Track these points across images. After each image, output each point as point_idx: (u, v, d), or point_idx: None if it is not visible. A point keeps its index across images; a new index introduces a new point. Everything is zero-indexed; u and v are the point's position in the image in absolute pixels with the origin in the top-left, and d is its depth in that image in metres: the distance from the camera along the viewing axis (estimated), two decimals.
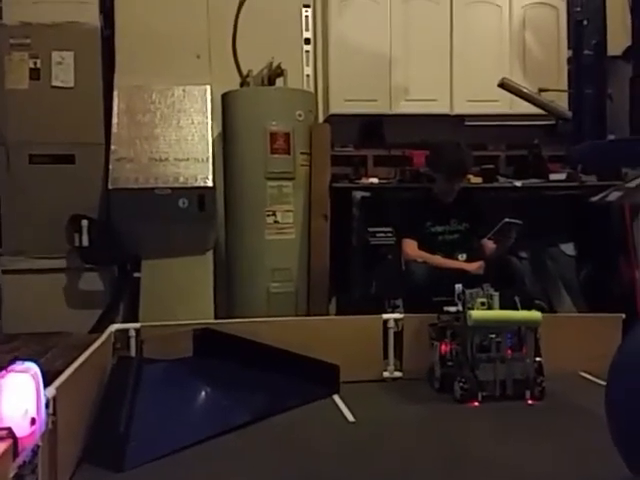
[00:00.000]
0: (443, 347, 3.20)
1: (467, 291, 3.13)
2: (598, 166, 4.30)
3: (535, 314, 3.16)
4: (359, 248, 4.45)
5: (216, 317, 4.23)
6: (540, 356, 3.12)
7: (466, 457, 2.48)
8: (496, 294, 3.12)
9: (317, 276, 4.37)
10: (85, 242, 4.33)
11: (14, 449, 1.55)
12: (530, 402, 3.06)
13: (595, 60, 2.89)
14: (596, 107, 2.79)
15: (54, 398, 1.98)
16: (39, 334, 3.79)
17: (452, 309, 3.17)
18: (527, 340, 3.12)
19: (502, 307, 3.14)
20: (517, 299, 3.18)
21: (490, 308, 3.11)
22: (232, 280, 4.48)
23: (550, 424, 2.82)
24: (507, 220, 3.48)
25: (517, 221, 3.48)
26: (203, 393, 2.84)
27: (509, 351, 3.11)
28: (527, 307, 3.21)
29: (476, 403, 3.03)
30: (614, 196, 3.57)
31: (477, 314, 3.06)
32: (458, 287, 3.15)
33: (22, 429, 1.59)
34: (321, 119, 4.83)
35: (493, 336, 3.09)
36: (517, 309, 3.17)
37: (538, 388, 3.08)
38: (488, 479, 2.30)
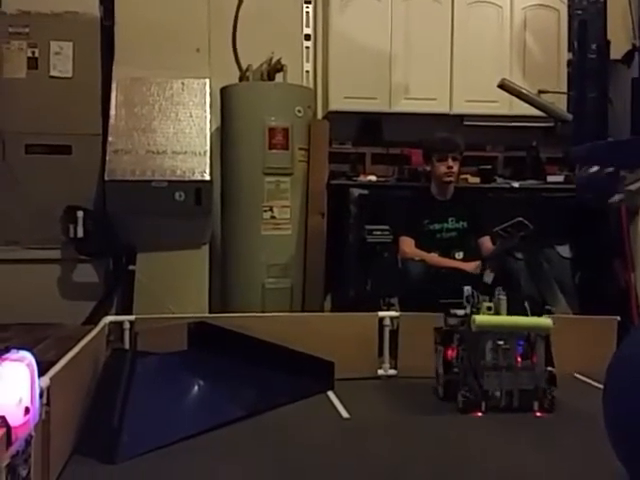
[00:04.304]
0: (449, 353, 2.99)
1: (476, 294, 2.95)
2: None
3: (545, 320, 2.91)
4: (355, 245, 4.44)
5: (210, 311, 4.22)
6: (553, 365, 2.89)
7: (458, 459, 2.45)
8: (504, 298, 2.91)
9: (313, 272, 4.36)
10: (80, 233, 4.31)
11: (7, 438, 1.53)
12: (538, 414, 2.84)
13: (597, 61, 2.89)
14: (597, 109, 2.79)
15: (48, 388, 1.96)
16: (32, 325, 3.76)
17: (460, 312, 2.97)
18: (537, 348, 2.88)
19: (511, 312, 2.92)
20: (527, 304, 2.95)
21: (497, 313, 2.89)
22: (227, 275, 4.46)
23: (555, 436, 2.64)
24: (521, 219, 3.25)
25: (529, 225, 3.25)
26: (197, 387, 2.82)
27: (519, 359, 2.87)
28: (537, 313, 2.97)
29: (479, 413, 2.82)
30: (615, 198, 3.59)
31: (481, 319, 2.83)
32: (467, 289, 2.97)
33: (16, 418, 1.57)
34: (320, 115, 4.83)
35: (501, 343, 2.84)
36: (527, 314, 2.94)
37: (548, 399, 2.85)
38: None
